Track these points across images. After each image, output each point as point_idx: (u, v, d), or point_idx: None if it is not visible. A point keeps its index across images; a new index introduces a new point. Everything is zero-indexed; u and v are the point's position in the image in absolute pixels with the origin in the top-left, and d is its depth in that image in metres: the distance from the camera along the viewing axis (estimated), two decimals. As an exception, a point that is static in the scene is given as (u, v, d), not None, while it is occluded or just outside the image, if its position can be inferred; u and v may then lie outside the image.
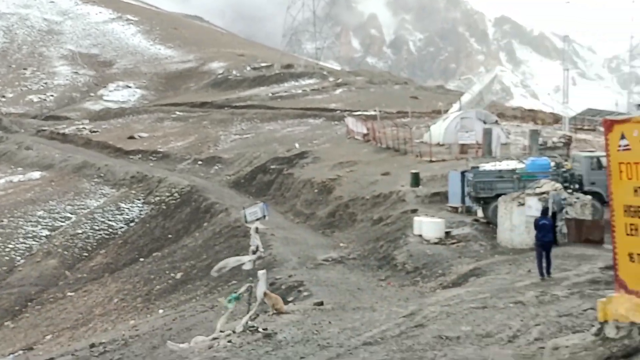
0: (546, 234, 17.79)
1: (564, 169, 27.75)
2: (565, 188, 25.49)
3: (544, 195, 23.95)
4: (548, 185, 24.71)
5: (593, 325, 11.85)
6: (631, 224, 7.65)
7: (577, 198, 25.09)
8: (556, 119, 66.50)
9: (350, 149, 50.10)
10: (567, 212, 24.01)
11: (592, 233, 23.39)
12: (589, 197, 25.56)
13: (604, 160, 28.39)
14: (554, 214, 22.07)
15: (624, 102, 74.99)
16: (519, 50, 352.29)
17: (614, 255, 8.02)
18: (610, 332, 7.75)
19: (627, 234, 7.72)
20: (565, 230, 23.47)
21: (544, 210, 19.28)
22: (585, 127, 61.43)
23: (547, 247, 17.63)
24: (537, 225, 18.08)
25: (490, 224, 26.69)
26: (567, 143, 42.59)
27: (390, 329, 12.34)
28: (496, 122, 48.50)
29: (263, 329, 13.04)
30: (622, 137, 7.65)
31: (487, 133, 41.38)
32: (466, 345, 10.72)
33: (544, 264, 17.52)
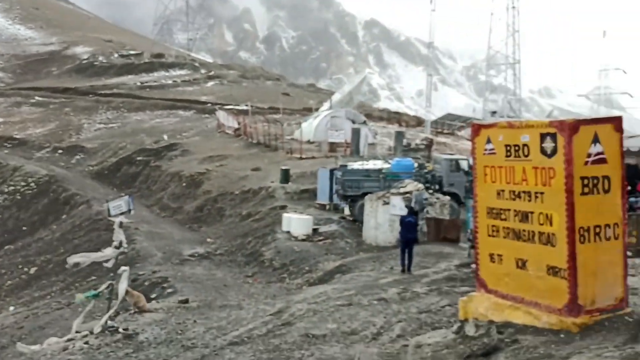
0: (410, 231, 18.79)
1: (426, 170, 28.83)
2: (427, 188, 26.41)
3: (408, 194, 24.68)
4: (411, 185, 25.53)
5: (451, 322, 12.30)
6: (493, 226, 7.96)
7: (437, 198, 26.15)
8: (419, 122, 69.30)
9: (220, 143, 49.41)
10: (427, 212, 24.90)
11: (449, 232, 24.38)
12: (448, 197, 26.67)
13: (462, 163, 30.20)
14: (416, 213, 22.78)
15: (481, 109, 79.11)
16: (386, 54, 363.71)
17: (475, 255, 8.32)
18: (470, 330, 8.01)
19: (489, 235, 8.03)
20: (425, 228, 24.26)
21: (410, 209, 20.50)
22: (445, 131, 64.68)
23: (410, 244, 18.58)
24: (403, 222, 19.12)
25: (356, 222, 27.12)
26: (429, 145, 44.34)
27: (257, 327, 12.15)
28: (364, 122, 49.57)
29: (123, 329, 12.43)
30: (488, 141, 7.94)
31: (356, 132, 42.20)
32: (332, 344, 10.75)
33: (406, 260, 18.43)
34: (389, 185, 26.53)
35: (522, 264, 7.62)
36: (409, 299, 14.35)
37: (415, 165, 29.32)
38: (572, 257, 7.03)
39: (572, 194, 7.01)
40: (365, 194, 26.19)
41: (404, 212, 20.93)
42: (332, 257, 23.10)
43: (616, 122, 7.32)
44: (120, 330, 12.35)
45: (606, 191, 7.24)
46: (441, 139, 55.90)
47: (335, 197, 29.59)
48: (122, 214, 13.21)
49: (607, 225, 7.26)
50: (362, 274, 19.52)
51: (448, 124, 68.95)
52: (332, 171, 30.00)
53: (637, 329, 6.94)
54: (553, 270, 7.24)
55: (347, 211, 28.70)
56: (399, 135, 42.86)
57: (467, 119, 71.52)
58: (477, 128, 8.11)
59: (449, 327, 11.39)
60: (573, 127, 6.99)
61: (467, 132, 69.19)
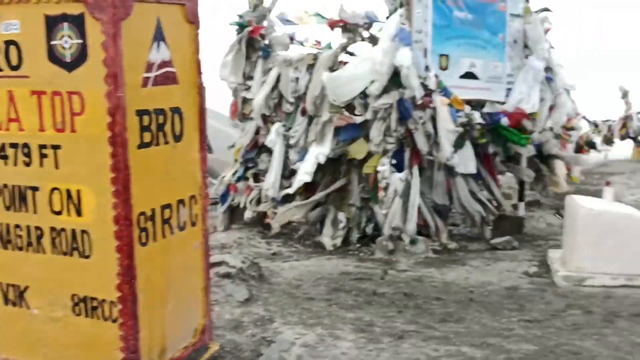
0: None
1: None
2: None
3: None
4: None
5: None
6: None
7: None
8: None
9: None
10: None
11: None
12: None
13: None
14: None
15: None
16: None
17: None
18: None
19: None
20: None
21: None
22: None
23: None
24: None
25: None
26: None
27: None
28: None
29: None
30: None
31: None
32: None
33: None
34: None
35: (16, 297, 3.65)
36: None
37: None
38: (129, 274, 3.42)
39: (125, 146, 3.34)
40: None
41: None
42: None
43: (190, 5, 3.86)
44: None
45: (177, 138, 3.82)
46: None
47: None
48: None
49: (181, 202, 3.85)
50: None
51: None
52: None
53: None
54: (86, 305, 3.51)
55: None
56: None
57: None
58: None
59: None
60: (121, 3, 3.29)
61: None
